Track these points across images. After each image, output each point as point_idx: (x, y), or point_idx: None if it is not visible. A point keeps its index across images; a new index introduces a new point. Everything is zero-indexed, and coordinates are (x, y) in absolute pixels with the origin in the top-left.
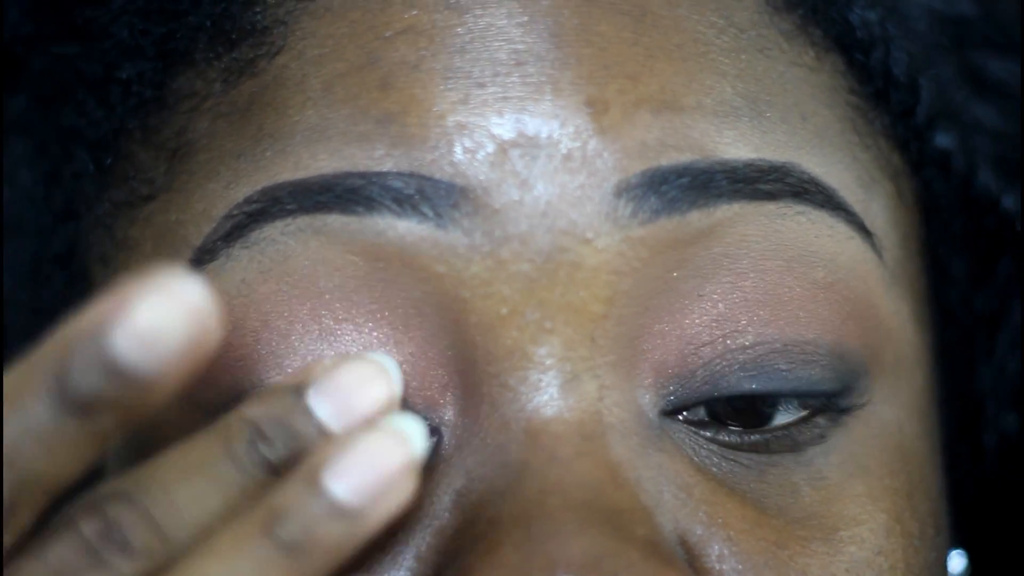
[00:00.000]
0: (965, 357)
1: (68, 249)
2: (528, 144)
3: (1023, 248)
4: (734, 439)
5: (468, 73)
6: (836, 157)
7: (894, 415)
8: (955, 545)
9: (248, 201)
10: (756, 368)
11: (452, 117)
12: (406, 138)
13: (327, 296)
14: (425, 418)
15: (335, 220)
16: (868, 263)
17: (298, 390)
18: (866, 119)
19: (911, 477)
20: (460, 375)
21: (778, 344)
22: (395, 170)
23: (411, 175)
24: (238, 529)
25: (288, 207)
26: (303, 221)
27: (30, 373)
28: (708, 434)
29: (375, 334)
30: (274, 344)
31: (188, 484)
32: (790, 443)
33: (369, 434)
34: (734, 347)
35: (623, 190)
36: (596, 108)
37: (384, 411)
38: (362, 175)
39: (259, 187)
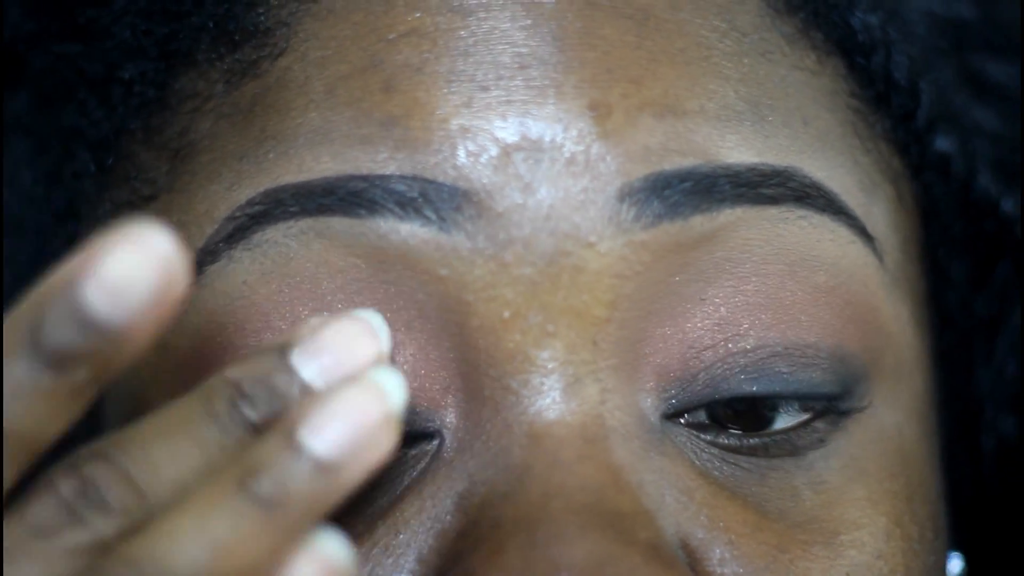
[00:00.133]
0: (964, 361)
1: (69, 249)
2: (531, 148)
3: (1022, 252)
4: (734, 442)
5: (471, 76)
6: (837, 161)
7: (894, 419)
8: (952, 548)
9: (250, 203)
10: (757, 371)
11: (455, 120)
12: (409, 141)
13: (329, 298)
14: (427, 420)
15: (338, 223)
16: (869, 267)
17: (282, 350)
18: (867, 123)
19: (910, 481)
20: (462, 378)
21: (779, 347)
22: (398, 173)
23: (414, 178)
24: (214, 486)
25: (291, 209)
26: (306, 223)
27: (7, 331)
28: (708, 437)
29: None
30: None
31: (167, 443)
32: (789, 447)
33: (347, 388)
34: (736, 350)
35: (626, 194)
36: (599, 112)
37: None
38: (365, 178)
39: (261, 189)
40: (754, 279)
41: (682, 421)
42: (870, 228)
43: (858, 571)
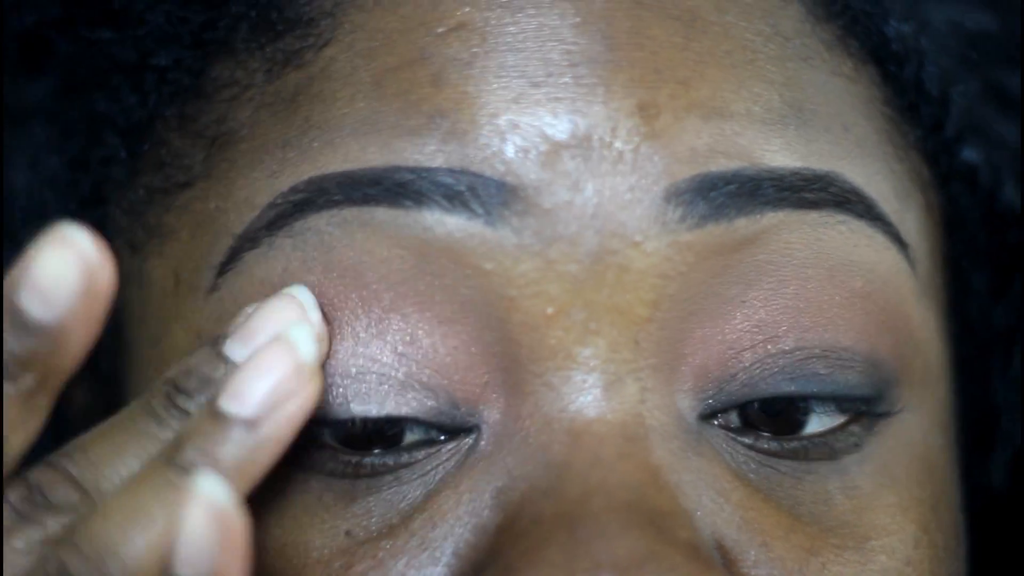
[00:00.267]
0: (981, 371)
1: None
2: (580, 145)
3: None
4: (773, 446)
5: (522, 72)
6: (875, 168)
7: (920, 427)
8: None
9: (294, 191)
10: (796, 372)
11: (505, 115)
12: (458, 134)
13: (374, 286)
14: (466, 415)
15: (383, 213)
16: (902, 274)
17: (215, 342)
18: (900, 131)
19: (936, 489)
20: (503, 373)
21: (817, 349)
22: (446, 166)
23: (462, 171)
24: (147, 468)
25: (335, 198)
26: (350, 213)
27: None
28: (747, 440)
29: (421, 325)
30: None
31: (108, 443)
32: (827, 451)
33: (257, 353)
34: (774, 352)
35: (672, 195)
36: (648, 112)
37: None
38: (412, 169)
39: (306, 177)
40: (794, 282)
41: (716, 423)
42: (903, 235)
43: None
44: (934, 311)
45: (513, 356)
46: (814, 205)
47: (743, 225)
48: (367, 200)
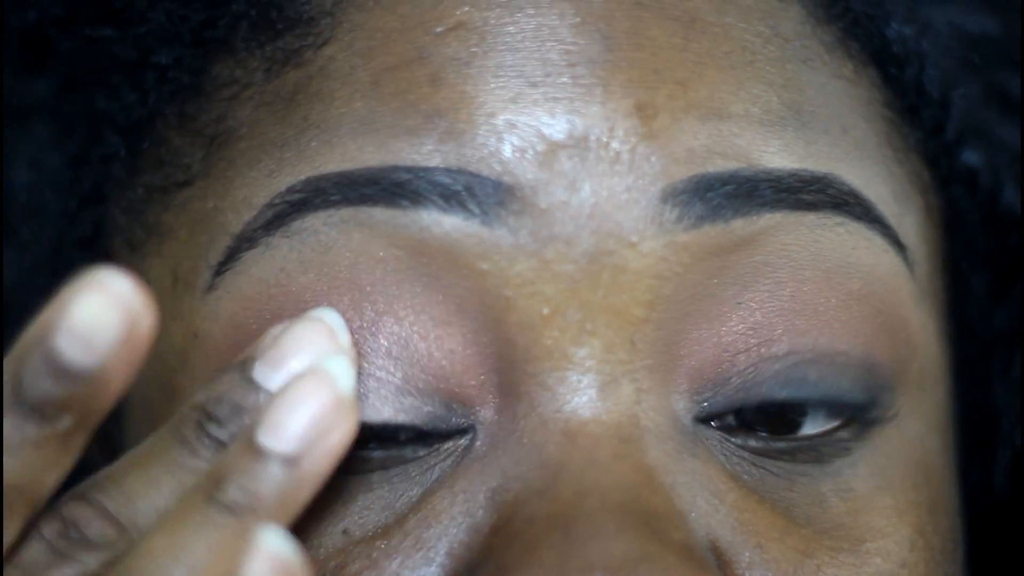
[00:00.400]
0: (981, 374)
1: (93, 233)
2: (577, 145)
3: None
4: (762, 445)
5: (520, 72)
6: (874, 170)
7: (917, 430)
8: None
9: (291, 190)
10: (788, 377)
11: (502, 115)
12: (455, 134)
13: (368, 288)
14: (461, 416)
15: (380, 213)
16: (900, 277)
17: (243, 366)
18: (900, 134)
19: (932, 492)
20: (498, 373)
21: (810, 354)
22: (443, 166)
23: (459, 171)
24: (185, 503)
25: (332, 198)
26: (347, 212)
27: None
28: (738, 440)
29: (415, 328)
30: None
31: (141, 474)
32: (815, 454)
33: (294, 384)
34: (768, 356)
35: (669, 195)
36: (646, 112)
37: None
38: (409, 169)
39: (303, 176)
40: (791, 284)
41: (712, 424)
42: (902, 238)
43: None
44: (933, 314)
45: (508, 356)
46: (812, 207)
47: (740, 226)
48: (364, 200)
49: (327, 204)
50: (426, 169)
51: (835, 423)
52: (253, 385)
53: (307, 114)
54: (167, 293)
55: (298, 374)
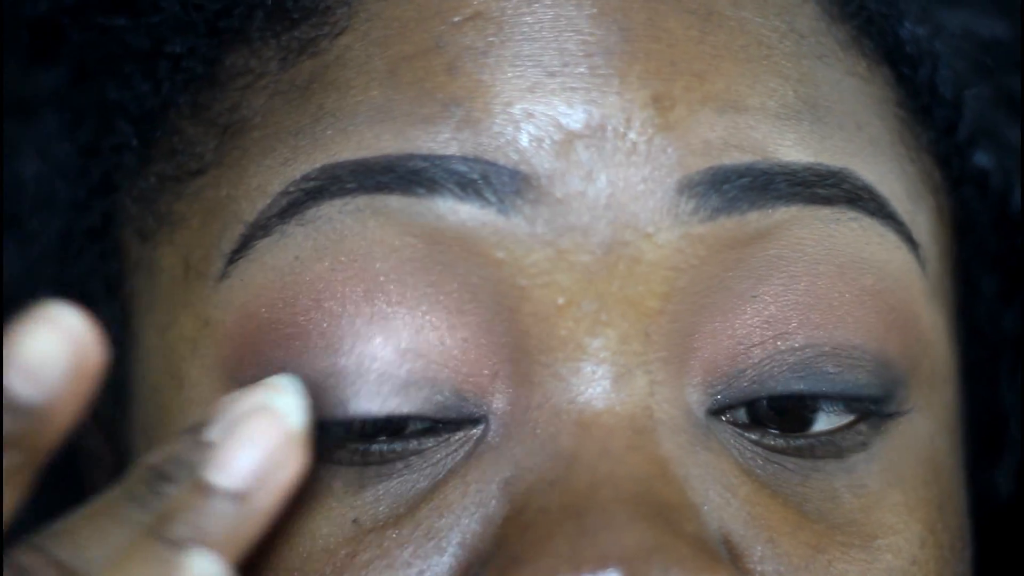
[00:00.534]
0: (989, 375)
1: (102, 223)
2: (594, 136)
3: None
4: (780, 443)
5: (537, 61)
6: (888, 167)
7: (927, 428)
8: None
9: (306, 178)
10: (805, 370)
11: (519, 104)
12: (472, 123)
13: (382, 278)
14: (474, 406)
15: (396, 201)
16: (913, 274)
17: (195, 429)
18: (912, 133)
19: (942, 490)
20: (512, 363)
21: (827, 347)
22: (459, 154)
23: (475, 160)
24: (133, 543)
25: (348, 186)
26: (362, 201)
27: None
28: (753, 437)
29: (428, 318)
30: (325, 325)
31: (93, 527)
32: (834, 449)
33: (243, 423)
34: (784, 348)
35: (685, 187)
36: (663, 104)
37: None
38: (425, 157)
39: (318, 164)
40: (805, 279)
41: (724, 418)
42: (915, 235)
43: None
44: (943, 313)
45: (522, 346)
46: (826, 201)
47: (755, 219)
48: (380, 188)
49: (342, 192)
50: (442, 157)
51: (852, 417)
52: (205, 444)
53: (323, 102)
54: (179, 282)
55: (246, 412)
